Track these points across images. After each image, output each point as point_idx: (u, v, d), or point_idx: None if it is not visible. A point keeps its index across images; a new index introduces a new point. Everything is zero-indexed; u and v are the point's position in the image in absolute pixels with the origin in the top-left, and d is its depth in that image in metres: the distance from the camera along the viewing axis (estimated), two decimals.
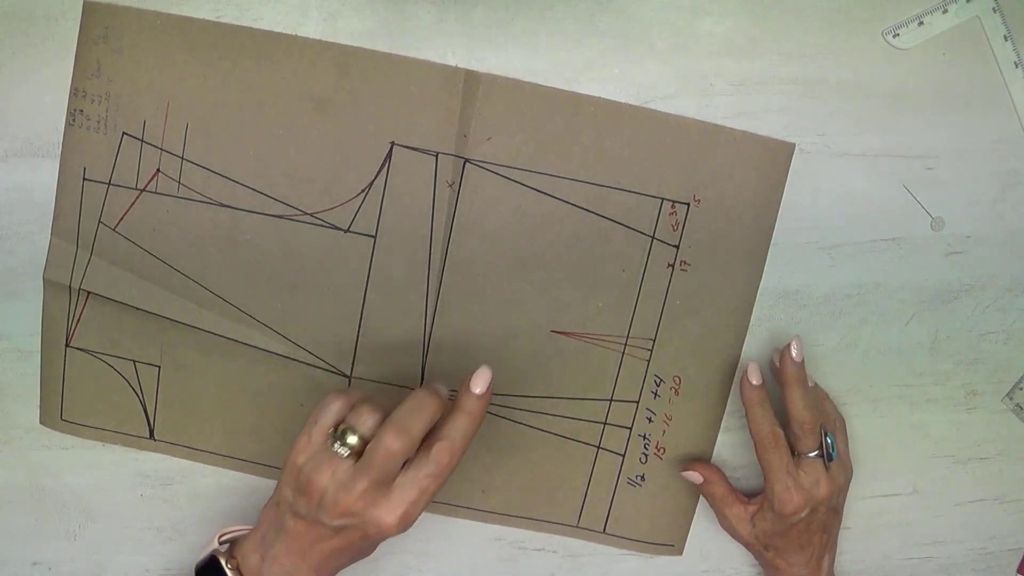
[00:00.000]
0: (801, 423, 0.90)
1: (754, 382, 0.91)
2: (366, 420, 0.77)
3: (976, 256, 0.94)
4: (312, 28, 0.86)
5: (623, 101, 0.88)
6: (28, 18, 0.86)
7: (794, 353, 0.90)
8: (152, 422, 0.96)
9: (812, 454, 0.90)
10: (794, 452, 0.90)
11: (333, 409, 0.79)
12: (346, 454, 0.77)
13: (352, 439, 0.77)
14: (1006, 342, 0.97)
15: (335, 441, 0.77)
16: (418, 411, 0.78)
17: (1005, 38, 0.89)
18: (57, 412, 0.96)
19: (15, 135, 0.89)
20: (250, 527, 0.85)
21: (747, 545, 0.97)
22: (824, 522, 0.92)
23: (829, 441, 0.90)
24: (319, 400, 0.80)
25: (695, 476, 0.95)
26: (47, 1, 0.86)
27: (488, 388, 0.81)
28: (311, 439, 0.79)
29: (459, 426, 0.80)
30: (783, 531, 0.91)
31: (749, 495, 0.96)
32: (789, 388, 0.90)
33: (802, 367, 0.91)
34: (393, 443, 0.75)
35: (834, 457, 0.90)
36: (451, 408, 0.80)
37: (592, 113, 0.88)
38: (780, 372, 0.92)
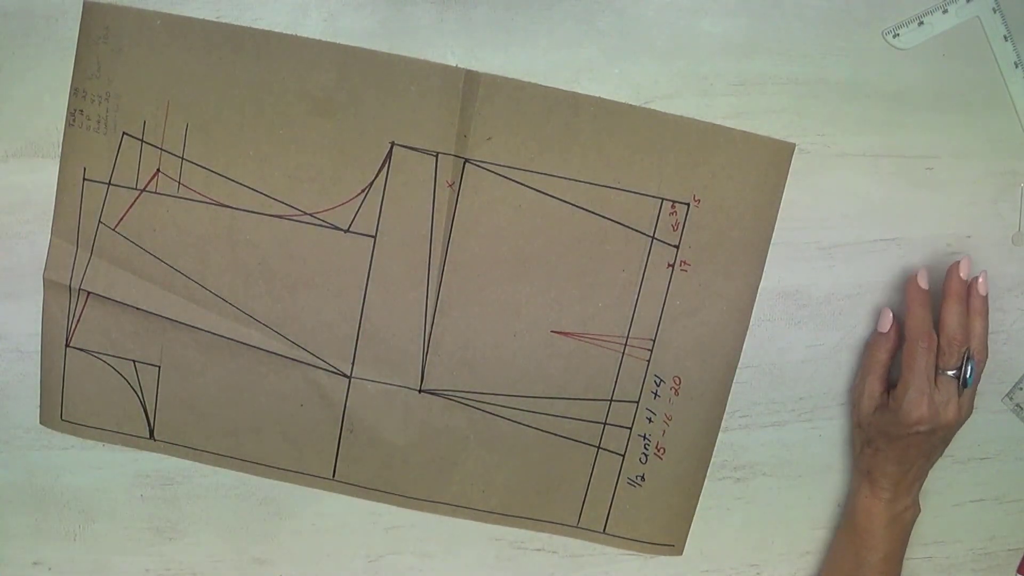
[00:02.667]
0: (950, 338, 0.89)
1: (922, 285, 0.91)
2: None
3: (976, 256, 0.94)
4: (312, 28, 0.86)
5: (623, 101, 0.88)
6: (28, 18, 0.86)
7: (963, 271, 0.91)
8: (152, 422, 0.96)
9: (950, 372, 0.89)
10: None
11: None
12: None
13: None
14: (1006, 342, 0.97)
15: None
16: None
17: (1005, 38, 0.89)
18: (57, 412, 0.96)
19: (15, 135, 0.89)
20: None
21: (856, 426, 0.96)
22: (932, 449, 0.93)
23: (970, 367, 0.90)
24: None
25: (886, 319, 0.94)
26: (47, 1, 0.86)
27: None
28: None
29: None
30: (894, 436, 0.91)
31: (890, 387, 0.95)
32: (947, 301, 0.90)
33: (964, 285, 0.91)
34: None
35: (969, 384, 0.90)
36: None
37: (592, 113, 0.88)
38: (944, 283, 0.92)
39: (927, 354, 0.89)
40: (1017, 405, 0.99)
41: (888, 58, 0.89)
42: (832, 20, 0.89)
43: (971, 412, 0.93)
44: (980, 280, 0.91)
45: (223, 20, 0.85)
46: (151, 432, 0.96)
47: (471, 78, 0.86)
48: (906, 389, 0.89)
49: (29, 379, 0.95)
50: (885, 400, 0.93)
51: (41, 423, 0.96)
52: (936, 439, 0.91)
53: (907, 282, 0.92)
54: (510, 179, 0.89)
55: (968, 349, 0.90)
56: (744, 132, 0.89)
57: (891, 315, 0.93)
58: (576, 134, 0.88)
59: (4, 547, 1.00)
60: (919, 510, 0.96)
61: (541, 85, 0.87)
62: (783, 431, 0.97)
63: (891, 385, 0.94)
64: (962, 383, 0.90)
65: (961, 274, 0.91)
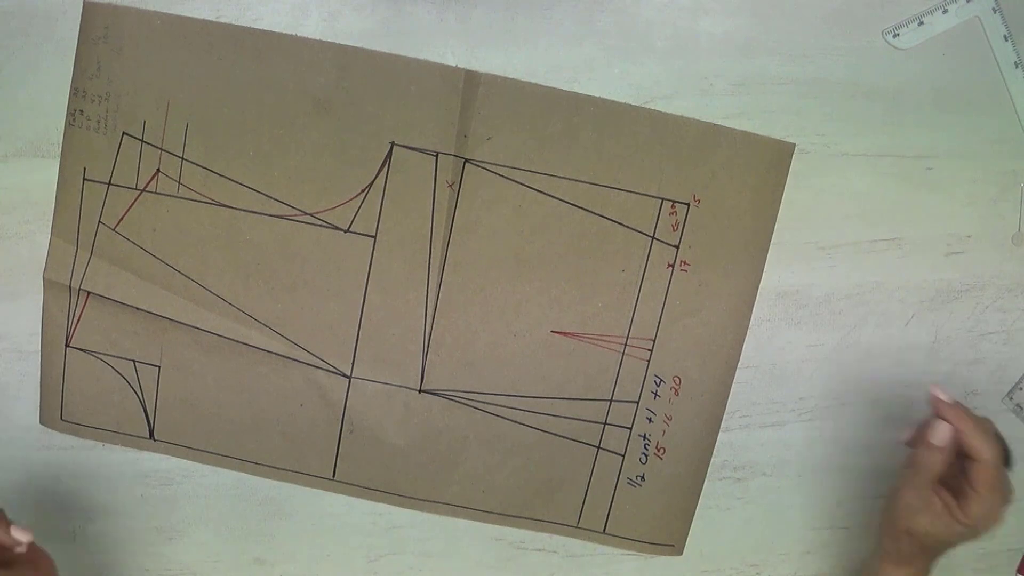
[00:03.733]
0: (995, 439, 0.87)
1: (947, 399, 0.87)
2: None
3: (976, 256, 0.94)
4: (312, 28, 0.86)
5: (623, 101, 0.88)
6: (28, 18, 0.86)
7: (943, 395, 0.87)
8: (152, 422, 0.96)
9: (1003, 464, 0.86)
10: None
11: None
12: None
13: None
14: (1006, 342, 0.97)
15: None
16: None
17: (1005, 38, 0.89)
18: (57, 412, 0.96)
19: (15, 135, 0.89)
20: None
21: (901, 533, 0.90)
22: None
23: (1011, 458, 0.87)
24: None
25: (944, 434, 0.87)
26: (47, 1, 0.86)
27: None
28: None
29: None
30: (948, 543, 0.88)
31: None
32: (961, 420, 0.86)
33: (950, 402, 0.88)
34: None
35: (1013, 466, 0.87)
36: None
37: (592, 113, 0.88)
38: (939, 410, 0.87)
39: (997, 462, 0.86)
40: (1017, 405, 0.99)
41: (888, 58, 0.90)
42: (832, 20, 0.89)
43: (1013, 491, 0.88)
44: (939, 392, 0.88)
45: (223, 20, 0.85)
46: (151, 432, 0.96)
47: (471, 78, 0.86)
48: (984, 503, 0.85)
49: (29, 379, 0.95)
50: (945, 512, 0.87)
51: (41, 423, 0.96)
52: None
53: (935, 402, 0.87)
54: (510, 179, 0.89)
55: (1002, 441, 0.88)
56: (744, 132, 0.89)
57: (948, 428, 0.86)
58: (576, 134, 0.88)
59: None
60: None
61: (541, 85, 0.87)
62: (783, 431, 0.97)
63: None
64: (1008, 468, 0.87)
65: (943, 397, 0.87)
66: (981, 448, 0.85)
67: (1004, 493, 0.86)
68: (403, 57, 0.86)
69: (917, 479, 0.88)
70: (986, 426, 0.86)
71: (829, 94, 0.90)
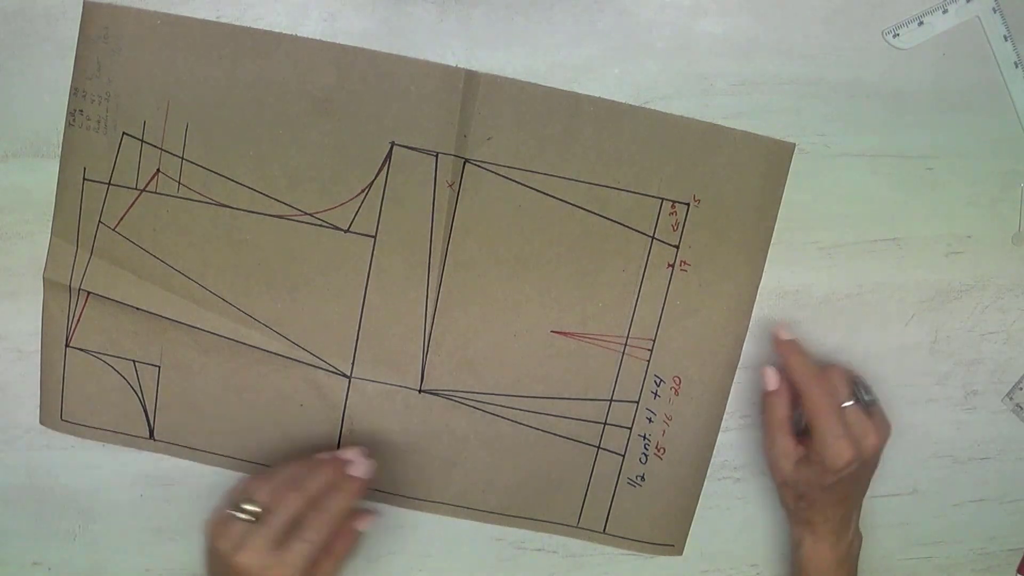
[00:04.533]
0: (828, 375, 0.90)
1: (785, 336, 0.92)
2: (262, 487, 0.84)
3: (976, 256, 0.94)
4: (312, 28, 0.86)
5: (623, 101, 0.88)
6: (28, 18, 0.86)
7: (783, 335, 0.92)
8: (152, 422, 0.96)
9: (849, 403, 0.89)
10: None
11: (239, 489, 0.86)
12: (243, 517, 0.82)
13: (250, 506, 0.82)
14: (1006, 342, 0.97)
15: (234, 510, 0.83)
16: (313, 475, 0.86)
17: (1005, 38, 0.89)
18: (57, 412, 0.96)
19: (15, 135, 0.89)
20: None
21: (781, 486, 0.95)
22: (865, 479, 0.93)
23: (862, 384, 0.91)
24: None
25: (771, 378, 0.93)
26: (47, 1, 0.85)
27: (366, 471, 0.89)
28: (219, 514, 0.84)
29: (337, 500, 0.85)
30: (828, 485, 0.89)
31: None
32: (792, 357, 0.91)
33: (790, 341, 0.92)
34: (287, 506, 0.83)
35: (874, 402, 0.91)
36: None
37: (592, 113, 0.88)
38: (778, 348, 0.93)
39: (826, 396, 0.89)
40: (1017, 405, 0.99)
41: (888, 58, 0.89)
42: (832, 20, 0.89)
43: (889, 426, 0.92)
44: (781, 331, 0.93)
45: (223, 20, 0.85)
46: (151, 432, 0.96)
47: (471, 78, 0.86)
48: (823, 438, 0.87)
49: (29, 379, 0.95)
50: (803, 453, 0.91)
51: (41, 423, 0.96)
52: (867, 469, 0.91)
53: (773, 340, 0.93)
54: (510, 179, 0.89)
55: (851, 375, 0.92)
56: (744, 132, 0.89)
57: (774, 371, 0.92)
58: (576, 134, 0.88)
59: (4, 547, 0.99)
60: (862, 537, 0.97)
61: (541, 85, 0.87)
62: None
63: (799, 434, 0.93)
64: (865, 405, 0.90)
65: (784, 336, 0.92)
66: (802, 383, 0.89)
67: (857, 430, 0.88)
68: (403, 57, 0.86)
69: (770, 428, 0.93)
70: (824, 370, 0.90)
71: (829, 94, 0.90)
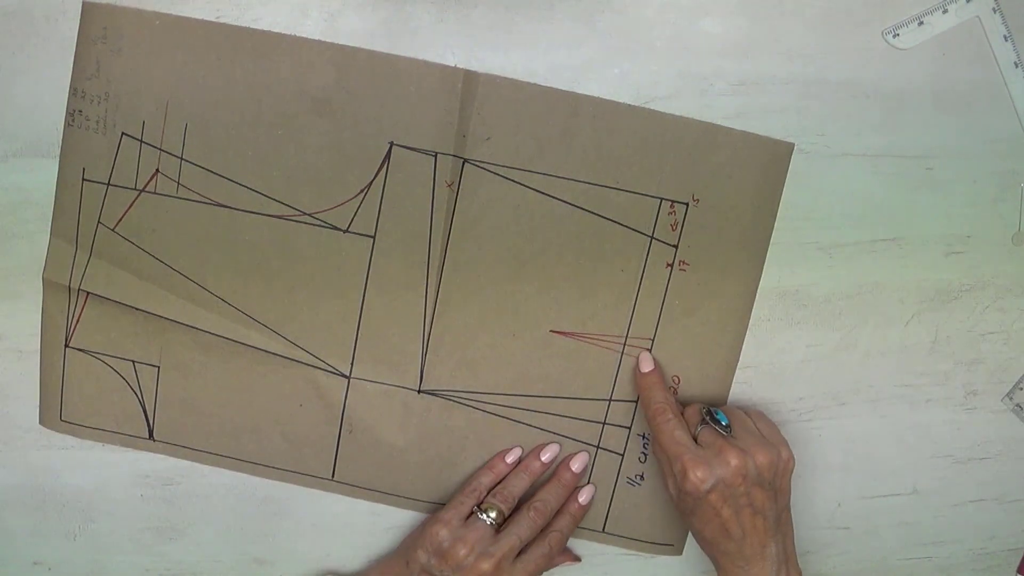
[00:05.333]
0: (684, 407, 0.93)
1: (644, 369, 0.94)
2: (507, 498, 0.94)
3: (976, 256, 0.94)
4: (312, 28, 0.86)
5: (623, 101, 0.88)
6: (28, 18, 0.86)
7: (643, 366, 0.94)
8: (151, 422, 0.96)
9: (699, 427, 0.89)
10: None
11: (482, 485, 0.96)
12: (489, 523, 0.92)
13: (494, 514, 0.92)
14: (1006, 342, 0.97)
15: (481, 513, 0.93)
16: (556, 499, 0.96)
17: (1005, 38, 0.89)
18: (57, 412, 0.96)
19: (15, 135, 0.89)
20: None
21: (683, 520, 0.94)
22: (750, 501, 0.86)
23: (712, 410, 0.90)
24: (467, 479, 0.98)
25: (645, 361, 0.95)
26: (47, 1, 0.85)
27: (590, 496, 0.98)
28: (458, 513, 0.93)
29: (569, 523, 0.96)
30: (694, 508, 0.87)
31: None
32: (653, 389, 0.93)
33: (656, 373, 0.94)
34: (527, 531, 0.92)
35: (725, 424, 0.89)
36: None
37: (591, 113, 0.88)
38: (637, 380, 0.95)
39: (667, 424, 0.89)
40: (1017, 405, 0.99)
41: (888, 58, 0.89)
42: (832, 20, 0.89)
43: (785, 453, 0.90)
44: (641, 361, 0.95)
45: (223, 20, 0.85)
46: (151, 432, 0.96)
47: (470, 78, 0.86)
48: (670, 464, 0.88)
49: (29, 379, 0.95)
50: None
51: (41, 423, 0.96)
52: (740, 490, 0.86)
53: (634, 371, 0.95)
54: (509, 179, 0.89)
55: (704, 406, 0.92)
56: (743, 132, 0.89)
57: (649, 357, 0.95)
58: (575, 134, 0.88)
59: (4, 547, 1.00)
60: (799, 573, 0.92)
61: (540, 85, 0.87)
62: (783, 431, 0.96)
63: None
64: (721, 428, 0.89)
65: (643, 368, 0.94)
66: (650, 416, 0.92)
67: (711, 451, 0.87)
68: (402, 57, 0.86)
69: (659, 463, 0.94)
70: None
71: (829, 94, 0.90)
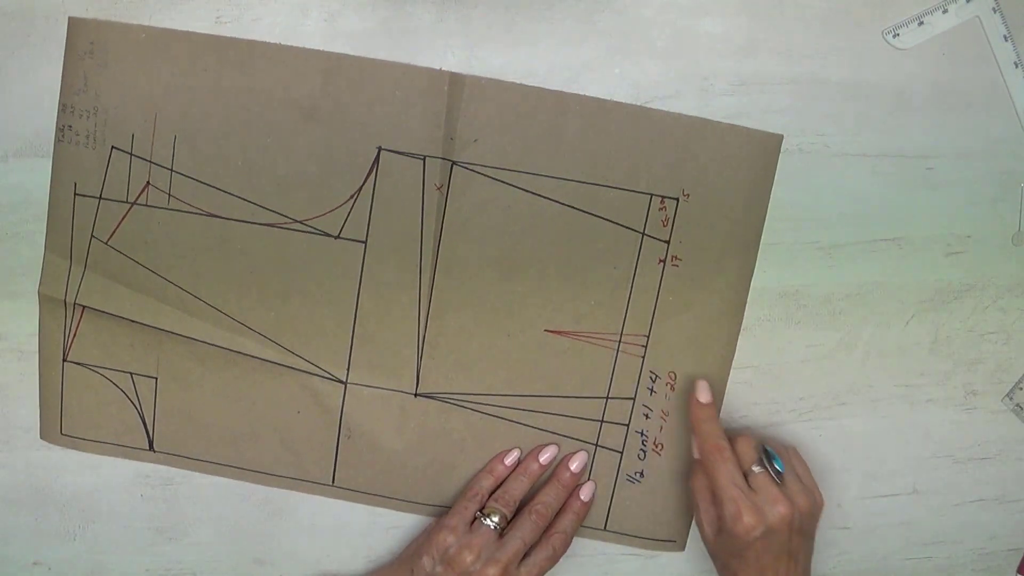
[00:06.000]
0: (736, 444, 0.91)
1: (702, 400, 0.92)
2: (508, 502, 0.95)
3: (976, 256, 0.94)
4: (312, 28, 0.86)
5: (623, 101, 0.88)
6: (28, 18, 0.86)
7: (701, 395, 0.93)
8: (151, 433, 0.97)
9: (756, 468, 0.89)
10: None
11: (483, 490, 0.96)
12: (492, 527, 0.92)
13: (497, 518, 0.93)
14: (1006, 342, 0.97)
15: (484, 518, 0.93)
16: (556, 500, 0.96)
17: (1005, 38, 0.88)
18: (57, 427, 0.97)
19: (15, 135, 0.89)
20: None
21: (711, 555, 0.94)
22: (789, 548, 0.88)
23: (770, 452, 0.90)
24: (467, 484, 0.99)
25: (703, 391, 0.94)
26: (47, 1, 0.85)
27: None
28: (462, 519, 0.94)
29: (572, 522, 0.96)
30: (738, 552, 0.88)
31: None
32: (709, 422, 0.93)
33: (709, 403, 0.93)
34: (530, 535, 0.93)
35: (782, 471, 0.89)
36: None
37: (577, 111, 0.87)
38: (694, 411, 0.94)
39: (724, 464, 0.89)
40: (1017, 405, 0.99)
41: (888, 58, 0.89)
42: (832, 20, 0.88)
43: (818, 499, 0.91)
44: (700, 391, 0.94)
45: (223, 21, 0.85)
46: (151, 443, 0.97)
47: (456, 81, 0.86)
48: (722, 505, 0.87)
49: (29, 379, 0.96)
50: (720, 521, 0.90)
51: (42, 438, 0.97)
52: (783, 538, 0.87)
53: (689, 400, 0.94)
54: (498, 180, 0.89)
55: (759, 442, 0.92)
56: (731, 125, 0.88)
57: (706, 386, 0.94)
58: (562, 133, 0.88)
59: (4, 547, 1.01)
60: None
61: (526, 85, 0.87)
62: (783, 431, 0.97)
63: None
64: (775, 473, 0.89)
65: (700, 398, 0.93)
66: (705, 452, 0.91)
67: (762, 496, 0.88)
68: (387, 62, 0.86)
69: (694, 495, 0.94)
70: (732, 439, 0.92)
71: (829, 94, 0.89)
